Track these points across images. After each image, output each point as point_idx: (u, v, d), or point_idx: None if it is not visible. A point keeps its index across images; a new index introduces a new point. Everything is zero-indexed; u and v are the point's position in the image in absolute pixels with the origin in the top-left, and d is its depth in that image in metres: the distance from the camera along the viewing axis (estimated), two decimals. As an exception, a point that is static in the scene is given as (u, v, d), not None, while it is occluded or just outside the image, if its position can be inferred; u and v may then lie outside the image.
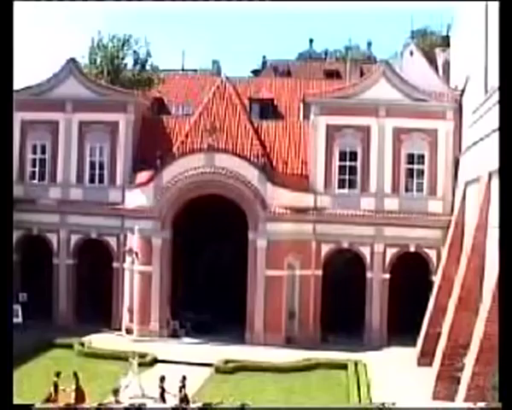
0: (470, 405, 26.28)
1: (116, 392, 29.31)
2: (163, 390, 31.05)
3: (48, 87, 51.67)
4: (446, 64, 54.51)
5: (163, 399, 30.86)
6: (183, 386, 30.83)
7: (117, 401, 28.79)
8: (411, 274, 45.93)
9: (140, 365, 38.76)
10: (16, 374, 35.76)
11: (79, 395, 30.35)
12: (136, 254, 47.24)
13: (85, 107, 50.67)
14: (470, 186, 39.22)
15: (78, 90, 51.12)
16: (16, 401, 28.69)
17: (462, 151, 44.22)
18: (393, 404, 26.45)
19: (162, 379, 31.43)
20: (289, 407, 30.78)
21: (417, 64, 51.66)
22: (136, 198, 47.98)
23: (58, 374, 30.85)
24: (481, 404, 26.14)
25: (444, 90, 48.71)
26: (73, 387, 30.39)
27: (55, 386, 30.45)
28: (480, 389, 27.87)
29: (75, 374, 30.83)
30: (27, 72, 63.56)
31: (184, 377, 31.22)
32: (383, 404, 26.63)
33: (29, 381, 34.35)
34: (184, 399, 30.31)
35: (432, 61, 56.05)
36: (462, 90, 45.64)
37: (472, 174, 38.23)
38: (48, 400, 30.07)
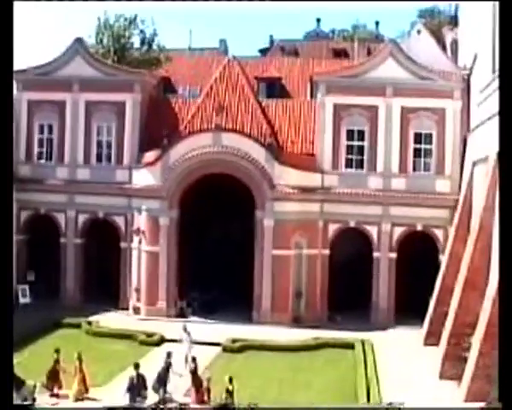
0: (472, 404, 26.43)
1: (137, 366, 29.75)
2: (168, 365, 31.15)
3: (54, 67, 51.59)
4: (454, 43, 54.28)
5: (167, 375, 30.95)
6: (194, 363, 31.66)
7: (138, 375, 29.22)
8: (418, 254, 45.87)
9: (147, 344, 39.12)
10: (24, 353, 36.15)
11: (82, 378, 30.89)
12: (144, 233, 47.36)
13: (92, 86, 50.59)
14: (478, 166, 39.13)
15: (85, 69, 51.05)
16: (24, 379, 28.98)
17: (470, 130, 44.10)
18: (401, 404, 26.46)
19: (169, 355, 31.62)
20: (298, 407, 30.70)
21: (425, 43, 51.44)
22: (144, 178, 48.01)
23: (57, 351, 31.30)
24: (481, 404, 26.23)
25: (451, 70, 48.55)
26: (77, 367, 30.90)
27: (56, 362, 30.83)
28: (486, 369, 27.95)
29: (79, 357, 31.27)
30: (34, 52, 63.47)
31: (194, 358, 32.15)
32: (390, 403, 26.66)
33: (37, 360, 34.50)
34: (195, 371, 30.75)
35: (439, 40, 55.82)
36: (470, 70, 45.47)
37: (480, 154, 38.14)
38: (49, 378, 30.46)
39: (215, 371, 33.70)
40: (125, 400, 28.68)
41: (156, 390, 29.85)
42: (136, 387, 28.93)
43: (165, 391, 29.95)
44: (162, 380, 30.25)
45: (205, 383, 29.53)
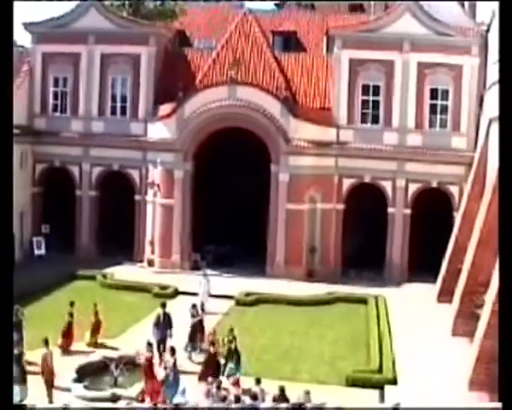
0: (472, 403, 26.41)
1: (164, 305, 31.04)
2: (193, 316, 31.71)
3: (69, 19, 51.24)
4: (473, -1, 53.57)
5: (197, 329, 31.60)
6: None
7: (165, 313, 30.47)
8: (433, 210, 45.77)
9: (161, 296, 39.36)
10: (40, 305, 36.66)
11: (96, 325, 31.34)
12: (158, 186, 47.42)
13: (107, 39, 50.32)
14: (494, 123, 38.81)
15: (100, 22, 50.70)
16: (39, 331, 29.25)
17: (487, 87, 43.70)
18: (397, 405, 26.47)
19: (194, 306, 32.23)
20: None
21: (443, -2, 50.75)
22: (159, 131, 47.97)
23: (72, 303, 31.63)
24: (481, 404, 26.24)
25: (470, 25, 48.00)
26: (92, 319, 31.37)
27: (70, 315, 31.13)
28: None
29: (95, 305, 31.78)
30: (48, 4, 63.18)
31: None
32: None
33: (52, 312, 34.81)
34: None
35: (458, -5, 55.03)
36: (488, 26, 44.98)
37: (496, 112, 37.77)
38: (64, 335, 30.64)
39: (227, 324, 33.90)
40: (153, 334, 29.87)
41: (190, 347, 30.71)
42: (163, 324, 30.11)
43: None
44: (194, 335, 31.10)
45: (210, 337, 29.57)
